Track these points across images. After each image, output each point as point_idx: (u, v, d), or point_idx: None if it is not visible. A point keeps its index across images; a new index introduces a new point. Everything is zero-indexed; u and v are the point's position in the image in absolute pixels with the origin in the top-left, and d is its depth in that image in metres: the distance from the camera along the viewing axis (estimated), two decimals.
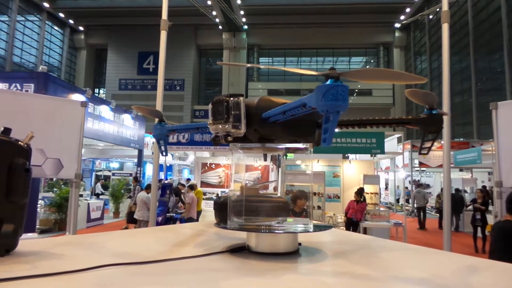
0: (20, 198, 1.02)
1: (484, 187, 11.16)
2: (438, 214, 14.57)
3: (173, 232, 1.66)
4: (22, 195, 1.03)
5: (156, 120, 1.68)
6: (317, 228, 1.24)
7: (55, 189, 12.21)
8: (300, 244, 1.26)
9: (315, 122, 1.30)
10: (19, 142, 1.05)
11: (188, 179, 13.62)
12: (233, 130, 1.17)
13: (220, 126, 1.19)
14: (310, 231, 1.21)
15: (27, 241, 1.21)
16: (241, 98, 1.18)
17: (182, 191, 10.82)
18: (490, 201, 12.24)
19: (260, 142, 1.27)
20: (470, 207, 11.69)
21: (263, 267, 1.05)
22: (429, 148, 1.38)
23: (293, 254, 1.20)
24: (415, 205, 15.43)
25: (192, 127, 1.69)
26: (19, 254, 1.06)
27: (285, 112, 1.09)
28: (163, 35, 4.78)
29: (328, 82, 0.90)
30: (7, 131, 1.05)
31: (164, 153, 1.73)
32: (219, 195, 11.18)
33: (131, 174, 15.93)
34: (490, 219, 9.96)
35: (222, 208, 1.33)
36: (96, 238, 1.46)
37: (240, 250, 1.20)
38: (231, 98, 1.17)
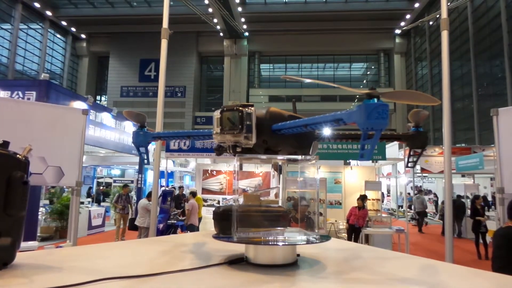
0: (17, 211, 1.02)
1: (476, 196, 11.09)
2: (441, 221, 14.67)
3: (172, 244, 1.65)
4: (20, 208, 1.02)
5: (138, 125, 1.60)
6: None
7: (54, 199, 12.14)
8: (298, 255, 1.25)
9: (314, 134, 1.32)
10: (17, 155, 1.05)
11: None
12: (244, 141, 1.16)
13: (231, 137, 1.16)
14: (313, 243, 1.20)
15: (25, 254, 1.20)
16: (253, 108, 1.16)
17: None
18: (493, 206, 12.13)
19: (266, 153, 1.26)
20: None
21: (262, 279, 1.04)
22: (415, 162, 1.54)
23: (291, 265, 1.19)
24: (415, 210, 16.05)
25: (182, 135, 1.63)
26: (17, 267, 1.05)
27: (308, 125, 1.08)
28: (164, 43, 4.81)
29: (371, 101, 0.92)
30: (5, 144, 1.05)
31: (146, 161, 1.65)
32: (220, 204, 11.14)
33: (132, 181, 15.91)
34: (491, 225, 9.93)
35: (222, 218, 1.32)
36: (93, 250, 1.46)
37: (238, 262, 1.20)
38: (244, 108, 1.15)
